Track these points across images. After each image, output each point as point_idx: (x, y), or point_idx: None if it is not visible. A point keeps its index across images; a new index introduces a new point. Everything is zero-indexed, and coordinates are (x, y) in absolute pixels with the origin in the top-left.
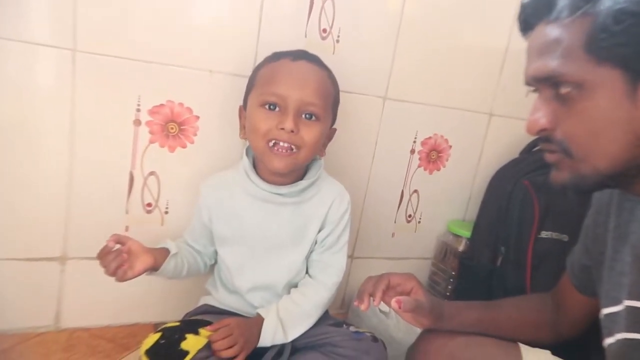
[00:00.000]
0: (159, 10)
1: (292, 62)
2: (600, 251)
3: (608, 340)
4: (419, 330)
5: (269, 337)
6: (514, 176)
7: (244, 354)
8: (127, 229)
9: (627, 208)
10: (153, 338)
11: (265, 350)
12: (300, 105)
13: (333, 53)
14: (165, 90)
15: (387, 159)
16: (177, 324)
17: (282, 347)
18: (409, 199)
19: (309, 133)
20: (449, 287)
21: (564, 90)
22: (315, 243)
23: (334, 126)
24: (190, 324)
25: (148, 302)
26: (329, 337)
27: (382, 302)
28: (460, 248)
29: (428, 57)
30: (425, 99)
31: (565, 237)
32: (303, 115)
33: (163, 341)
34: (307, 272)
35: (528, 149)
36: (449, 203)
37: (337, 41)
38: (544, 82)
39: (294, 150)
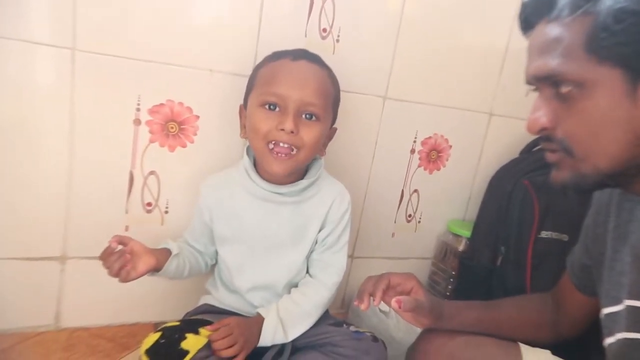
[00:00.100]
0: (159, 9)
1: (292, 61)
2: (600, 251)
3: (608, 340)
4: (419, 330)
5: (269, 336)
6: (514, 176)
7: (243, 354)
8: (127, 228)
9: (626, 208)
10: (153, 337)
11: (265, 349)
12: (300, 106)
13: (333, 53)
14: (165, 90)
15: (387, 158)
16: (177, 323)
17: (282, 346)
18: (409, 199)
19: (309, 134)
20: (449, 286)
21: (564, 89)
22: (316, 243)
23: (335, 125)
24: (190, 324)
25: (148, 301)
26: (329, 336)
27: (382, 302)
28: (460, 248)
29: (428, 57)
30: (425, 98)
31: (565, 237)
32: (303, 116)
33: (163, 341)
34: (307, 271)
35: (528, 149)
36: (449, 203)
37: (337, 41)
38: (544, 81)
39: (294, 151)
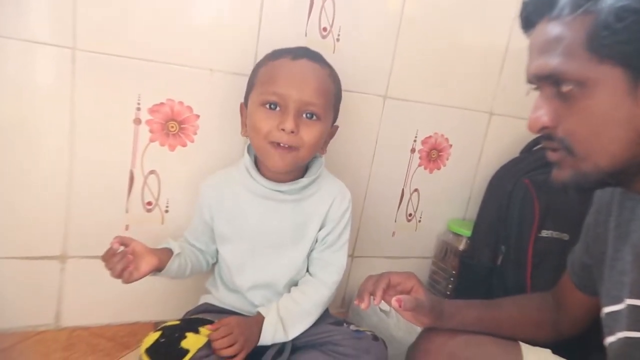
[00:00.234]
0: (159, 9)
1: (293, 60)
2: (601, 250)
3: (609, 339)
4: (419, 329)
5: (270, 335)
6: (514, 175)
7: (244, 353)
8: (127, 227)
9: (627, 207)
10: (153, 337)
11: (265, 349)
12: (300, 105)
13: (333, 52)
14: (166, 89)
15: (388, 158)
16: (177, 322)
17: (283, 346)
18: (410, 198)
19: (309, 133)
20: (450, 286)
21: (565, 88)
22: (316, 241)
23: (336, 123)
24: (191, 323)
25: (148, 301)
26: (330, 335)
27: (382, 301)
28: (461, 247)
29: (428, 56)
30: (425, 97)
31: (565, 236)
32: (304, 115)
33: (163, 340)
34: (307, 270)
35: (528, 148)
36: (450, 202)
37: (338, 40)
38: (545, 80)
39: (294, 148)
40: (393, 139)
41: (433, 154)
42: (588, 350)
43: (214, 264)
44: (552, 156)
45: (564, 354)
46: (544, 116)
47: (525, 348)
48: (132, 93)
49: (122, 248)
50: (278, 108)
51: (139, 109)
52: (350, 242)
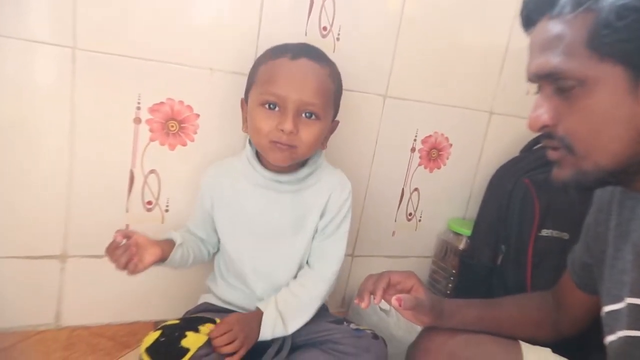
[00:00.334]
0: (159, 8)
1: (292, 60)
2: (601, 249)
3: (609, 338)
4: (419, 328)
5: (269, 330)
6: (515, 174)
7: (244, 349)
8: (127, 227)
9: (628, 206)
10: (153, 336)
11: (266, 348)
12: (299, 105)
13: (333, 51)
14: (166, 89)
15: (388, 157)
16: (177, 321)
17: (282, 344)
18: (410, 197)
19: (308, 133)
20: (450, 285)
21: (565, 86)
22: (316, 231)
23: (337, 118)
24: (190, 322)
25: (148, 300)
26: (330, 334)
27: (382, 300)
28: (461, 246)
29: (428, 56)
30: (425, 97)
31: (565, 236)
32: (303, 114)
33: (163, 339)
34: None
35: (528, 147)
36: (450, 201)
37: (338, 39)
38: (546, 79)
39: (293, 147)
40: (393, 138)
41: (433, 153)
42: (588, 349)
43: (214, 254)
44: (552, 155)
45: (564, 353)
46: (544, 115)
47: (525, 347)
48: (132, 92)
49: (124, 241)
50: (277, 108)
51: (139, 108)
52: (350, 242)
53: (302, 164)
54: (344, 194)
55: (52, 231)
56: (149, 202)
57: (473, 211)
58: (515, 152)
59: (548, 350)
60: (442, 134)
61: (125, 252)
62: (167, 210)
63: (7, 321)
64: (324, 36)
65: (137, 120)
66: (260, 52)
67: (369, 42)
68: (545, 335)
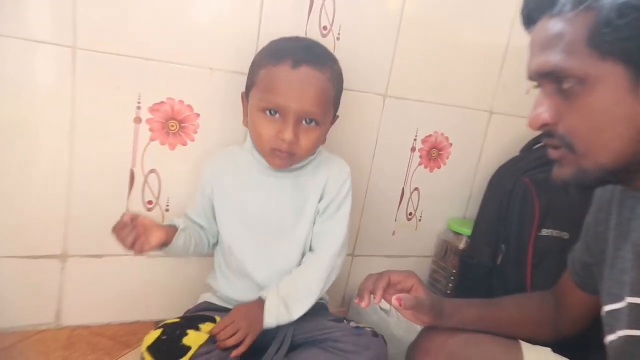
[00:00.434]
0: (160, 8)
1: (293, 69)
2: (601, 249)
3: (610, 338)
4: (419, 328)
5: (274, 317)
6: (515, 174)
7: (250, 338)
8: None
9: (628, 206)
10: (154, 335)
11: (266, 347)
12: (300, 115)
13: (334, 51)
14: (166, 88)
15: (388, 157)
16: (178, 320)
17: (282, 342)
18: (410, 197)
19: (308, 139)
20: (450, 285)
21: (566, 85)
22: (317, 214)
23: (336, 119)
24: (191, 320)
25: (148, 300)
26: (330, 332)
27: (382, 300)
28: (461, 246)
29: (428, 55)
30: (425, 96)
31: (565, 235)
32: (303, 121)
33: (165, 337)
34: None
35: (529, 147)
36: (450, 201)
37: (338, 39)
38: (546, 77)
39: (293, 153)
40: (393, 138)
41: (433, 153)
42: (588, 349)
43: (214, 246)
44: (553, 154)
45: (564, 353)
46: (545, 113)
47: (525, 347)
48: (133, 92)
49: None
50: (278, 115)
51: (139, 108)
52: (350, 241)
53: None
54: (343, 175)
55: (53, 231)
56: (150, 202)
57: (473, 211)
58: (515, 151)
59: (548, 350)
60: (443, 134)
61: (132, 232)
62: (167, 210)
63: (7, 321)
64: (324, 36)
65: (138, 120)
66: None
67: (369, 41)
68: (545, 335)
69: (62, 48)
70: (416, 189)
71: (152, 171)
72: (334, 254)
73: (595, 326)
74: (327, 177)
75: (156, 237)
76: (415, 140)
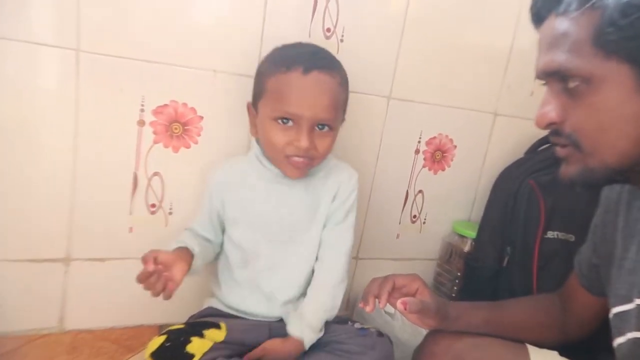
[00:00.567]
0: (162, 10)
1: (304, 75)
2: (609, 250)
3: (618, 340)
4: (424, 332)
5: (309, 344)
6: (519, 176)
7: None
8: (131, 230)
9: (636, 206)
10: (158, 341)
11: None
12: (313, 121)
13: (337, 52)
14: (169, 91)
15: (392, 159)
16: (182, 326)
17: None
18: (414, 200)
19: (323, 144)
20: (455, 288)
21: (572, 84)
22: (327, 218)
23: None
24: (195, 326)
25: (152, 304)
26: (334, 335)
27: (387, 304)
28: (466, 249)
29: (432, 57)
30: (429, 98)
31: (571, 237)
32: (317, 127)
33: (168, 344)
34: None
35: (533, 149)
36: (454, 203)
37: (341, 41)
38: (552, 76)
39: (310, 159)
40: (397, 140)
41: (437, 155)
42: (595, 352)
43: (218, 254)
44: (560, 152)
45: (571, 356)
46: (551, 112)
47: (532, 350)
48: (136, 95)
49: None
50: (291, 122)
51: (142, 110)
52: (354, 244)
53: None
54: (353, 181)
55: (56, 234)
56: (153, 205)
57: (478, 213)
58: (520, 153)
59: (555, 354)
60: (447, 136)
61: (159, 279)
62: (170, 213)
63: (10, 325)
64: (327, 37)
65: (141, 123)
66: (264, 53)
67: (372, 43)
68: (552, 338)
69: (66, 51)
70: (420, 191)
71: (155, 174)
72: (344, 262)
73: (603, 328)
74: (339, 182)
75: (179, 271)
76: (419, 142)
